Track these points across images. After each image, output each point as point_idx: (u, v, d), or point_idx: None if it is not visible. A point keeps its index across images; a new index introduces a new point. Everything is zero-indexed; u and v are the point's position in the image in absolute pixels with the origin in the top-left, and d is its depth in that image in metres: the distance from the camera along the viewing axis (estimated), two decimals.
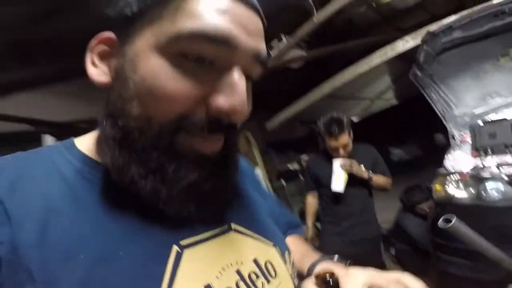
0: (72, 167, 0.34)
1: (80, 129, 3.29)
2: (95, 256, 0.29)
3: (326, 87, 3.05)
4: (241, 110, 0.32)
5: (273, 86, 3.81)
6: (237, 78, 0.32)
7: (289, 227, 0.60)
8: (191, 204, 0.34)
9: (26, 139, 2.97)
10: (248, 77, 0.35)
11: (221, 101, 0.31)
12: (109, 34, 0.35)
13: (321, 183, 1.80)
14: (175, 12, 0.30)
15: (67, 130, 3.14)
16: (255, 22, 0.34)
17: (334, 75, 2.95)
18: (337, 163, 1.63)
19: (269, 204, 0.54)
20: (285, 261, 0.43)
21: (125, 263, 0.30)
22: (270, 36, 2.83)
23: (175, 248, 0.33)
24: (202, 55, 0.30)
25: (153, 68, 0.30)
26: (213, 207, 0.37)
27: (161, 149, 0.32)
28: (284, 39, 2.72)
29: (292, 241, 0.56)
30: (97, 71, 0.35)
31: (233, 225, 0.41)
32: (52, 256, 0.28)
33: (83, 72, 0.35)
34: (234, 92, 0.31)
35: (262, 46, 0.35)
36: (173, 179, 0.32)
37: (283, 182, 4.28)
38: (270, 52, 2.87)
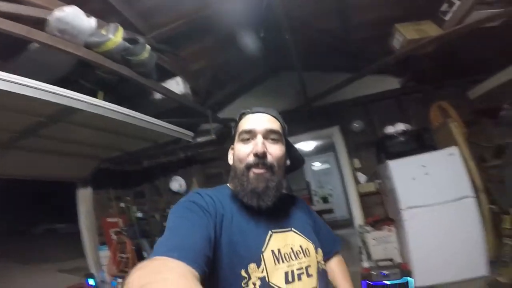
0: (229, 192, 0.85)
1: None
2: (239, 228, 0.74)
3: None
4: (261, 152, 0.77)
5: (470, 49, 2.94)
6: (259, 139, 0.79)
7: (333, 242, 1.00)
8: (256, 201, 0.77)
9: None
10: (271, 139, 0.81)
11: (254, 150, 0.78)
12: (232, 146, 0.88)
13: None
14: (238, 128, 0.85)
15: None
16: (265, 117, 0.84)
17: None
18: None
19: (318, 224, 0.96)
20: (316, 252, 0.81)
21: (251, 233, 0.75)
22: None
23: (270, 232, 0.77)
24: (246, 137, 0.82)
25: (237, 147, 0.83)
26: (283, 219, 0.83)
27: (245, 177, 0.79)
28: (456, 1, 2.11)
29: (337, 263, 0.98)
30: (229, 160, 0.90)
31: (293, 229, 0.82)
32: (227, 218, 0.75)
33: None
34: (257, 145, 0.78)
35: (268, 125, 0.82)
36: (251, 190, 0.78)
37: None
38: (444, 18, 2.31)
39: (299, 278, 0.72)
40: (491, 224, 2.87)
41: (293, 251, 0.76)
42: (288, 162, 0.88)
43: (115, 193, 4.55)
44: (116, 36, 1.89)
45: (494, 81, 2.93)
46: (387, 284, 2.28)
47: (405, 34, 2.49)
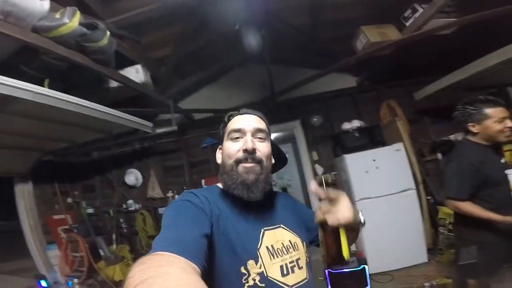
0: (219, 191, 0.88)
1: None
2: (233, 227, 0.77)
3: (502, 54, 2.35)
4: (251, 147, 0.81)
5: (421, 53, 3.26)
6: (248, 137, 0.83)
7: None
8: (246, 193, 0.80)
9: (211, 123, 4.17)
10: (258, 138, 0.86)
11: (244, 146, 0.82)
12: (220, 146, 0.92)
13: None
14: (227, 128, 0.89)
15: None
16: (252, 118, 0.88)
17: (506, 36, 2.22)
18: None
19: (304, 212, 0.98)
20: (303, 245, 0.87)
21: (245, 232, 0.78)
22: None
23: (262, 230, 0.81)
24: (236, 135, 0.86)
25: (227, 145, 0.87)
26: (272, 216, 0.87)
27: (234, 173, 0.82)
28: (420, 8, 2.30)
29: None
30: (218, 159, 0.92)
31: (281, 225, 0.87)
32: (222, 218, 0.78)
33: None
34: (247, 142, 0.82)
35: (256, 125, 0.86)
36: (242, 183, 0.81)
37: (439, 155, 3.63)
38: (406, 23, 2.50)
39: (292, 271, 0.79)
40: (428, 214, 3.32)
41: (283, 246, 0.82)
42: (273, 160, 0.93)
43: (61, 188, 4.14)
44: (72, 21, 1.66)
45: (437, 85, 3.31)
46: (346, 272, 2.55)
47: (369, 36, 2.63)
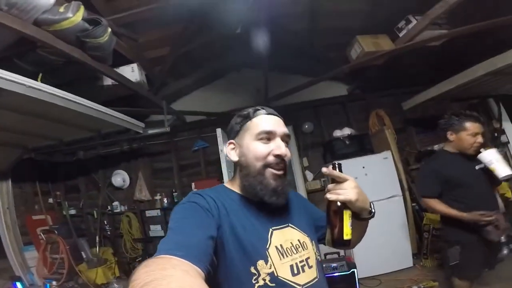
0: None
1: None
2: (243, 227, 0.77)
3: (488, 66, 2.52)
4: (285, 154, 0.82)
5: (411, 63, 3.41)
6: (280, 142, 0.83)
7: None
8: (275, 199, 0.81)
9: (203, 126, 4.17)
10: (285, 142, 0.86)
11: (277, 151, 0.81)
12: (232, 141, 0.89)
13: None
14: (253, 126, 0.85)
15: (225, 118, 3.99)
16: (280, 121, 0.87)
17: (493, 48, 2.39)
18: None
19: (314, 212, 0.99)
20: (312, 244, 0.87)
21: (254, 232, 0.78)
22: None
23: (270, 229, 0.81)
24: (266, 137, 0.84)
25: (254, 145, 0.83)
26: (281, 216, 0.86)
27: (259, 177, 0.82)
28: (413, 20, 2.43)
29: None
30: (232, 156, 0.88)
31: (290, 224, 0.87)
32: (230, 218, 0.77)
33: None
34: (280, 148, 0.82)
35: (285, 129, 0.86)
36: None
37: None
38: (399, 34, 2.62)
39: (303, 270, 0.79)
40: (413, 220, 3.45)
41: (293, 245, 0.82)
42: None
43: (42, 187, 3.96)
44: (76, 16, 1.63)
45: (425, 95, 3.47)
46: (335, 276, 2.60)
47: (364, 46, 2.72)
